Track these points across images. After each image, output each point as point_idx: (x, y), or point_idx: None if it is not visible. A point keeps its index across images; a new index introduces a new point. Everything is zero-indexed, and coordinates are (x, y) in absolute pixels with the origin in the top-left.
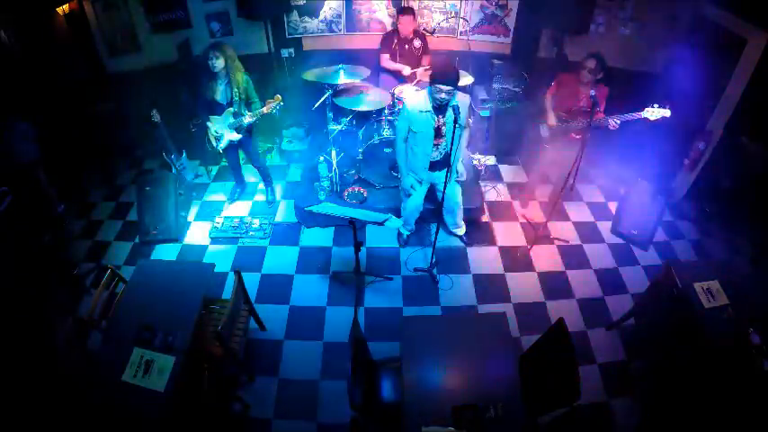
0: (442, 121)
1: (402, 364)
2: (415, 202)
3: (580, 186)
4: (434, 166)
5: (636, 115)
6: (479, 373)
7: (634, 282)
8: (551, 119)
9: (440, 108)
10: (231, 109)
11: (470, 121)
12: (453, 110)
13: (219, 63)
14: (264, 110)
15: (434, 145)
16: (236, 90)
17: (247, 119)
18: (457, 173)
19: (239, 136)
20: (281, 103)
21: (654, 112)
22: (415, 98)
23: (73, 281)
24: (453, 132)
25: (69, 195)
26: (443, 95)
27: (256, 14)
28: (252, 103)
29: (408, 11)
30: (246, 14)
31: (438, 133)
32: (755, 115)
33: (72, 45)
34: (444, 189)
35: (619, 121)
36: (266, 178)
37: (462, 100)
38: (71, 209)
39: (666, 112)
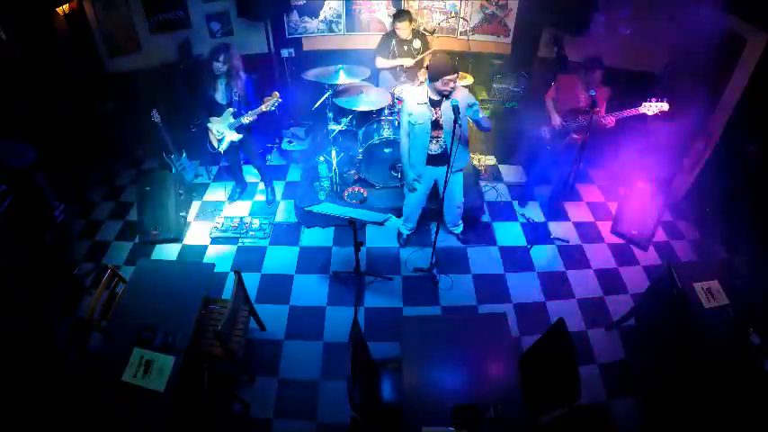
0: (439, 113)
1: (402, 364)
2: (417, 199)
3: (580, 186)
4: (433, 160)
5: (633, 111)
6: (479, 373)
7: (634, 282)
8: (555, 119)
9: (437, 101)
10: (231, 109)
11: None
12: (454, 110)
13: (224, 67)
14: (263, 107)
15: (433, 138)
16: (235, 90)
17: (247, 118)
18: (465, 161)
19: (240, 136)
20: (279, 100)
21: (651, 107)
22: (414, 91)
23: (73, 281)
24: (453, 131)
25: (69, 195)
26: (451, 85)
27: (256, 14)
28: (250, 103)
29: (403, 17)
30: (246, 14)
31: (436, 125)
32: (755, 115)
33: (72, 45)
34: (445, 186)
35: (614, 119)
36: (266, 178)
37: (461, 96)
38: (71, 209)
39: (664, 106)
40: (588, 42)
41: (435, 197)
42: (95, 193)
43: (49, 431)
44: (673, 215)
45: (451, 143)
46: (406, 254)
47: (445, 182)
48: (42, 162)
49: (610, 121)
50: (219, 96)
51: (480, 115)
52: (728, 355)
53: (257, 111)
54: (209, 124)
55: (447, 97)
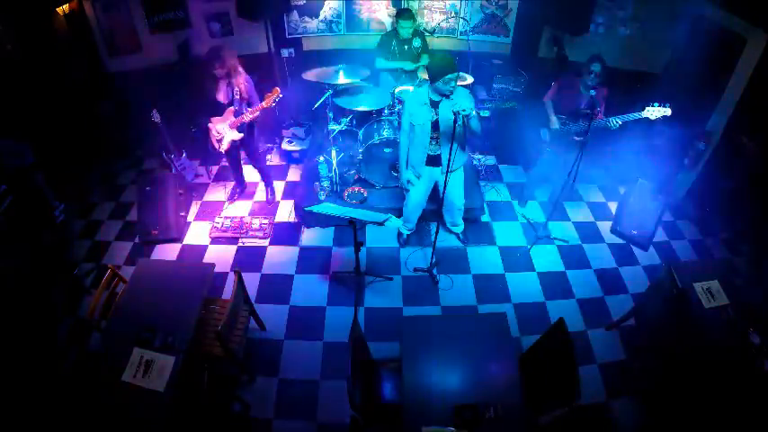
0: (438, 114)
1: (402, 363)
2: (416, 199)
3: (580, 186)
4: (432, 161)
5: (636, 116)
6: (479, 373)
7: (634, 282)
8: (554, 122)
9: (437, 102)
10: (232, 108)
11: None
12: (455, 114)
13: (221, 71)
14: (264, 104)
15: (433, 138)
16: (236, 89)
17: (248, 115)
18: (466, 155)
19: (241, 135)
20: (280, 96)
21: (654, 112)
22: (416, 92)
23: (73, 281)
24: (453, 132)
25: (69, 195)
26: (452, 84)
27: (256, 14)
28: (251, 103)
29: (407, 15)
30: (246, 14)
31: (436, 126)
32: (755, 115)
33: (72, 45)
34: (445, 187)
35: (620, 122)
36: (266, 178)
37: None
38: (71, 209)
39: (667, 111)
40: (588, 42)
41: (435, 198)
42: (95, 193)
43: (49, 431)
44: (673, 215)
45: (451, 144)
46: (406, 254)
47: (445, 183)
48: (42, 162)
49: (614, 122)
50: (221, 96)
51: (474, 123)
52: (728, 355)
53: (258, 107)
54: (209, 124)
55: (447, 97)
